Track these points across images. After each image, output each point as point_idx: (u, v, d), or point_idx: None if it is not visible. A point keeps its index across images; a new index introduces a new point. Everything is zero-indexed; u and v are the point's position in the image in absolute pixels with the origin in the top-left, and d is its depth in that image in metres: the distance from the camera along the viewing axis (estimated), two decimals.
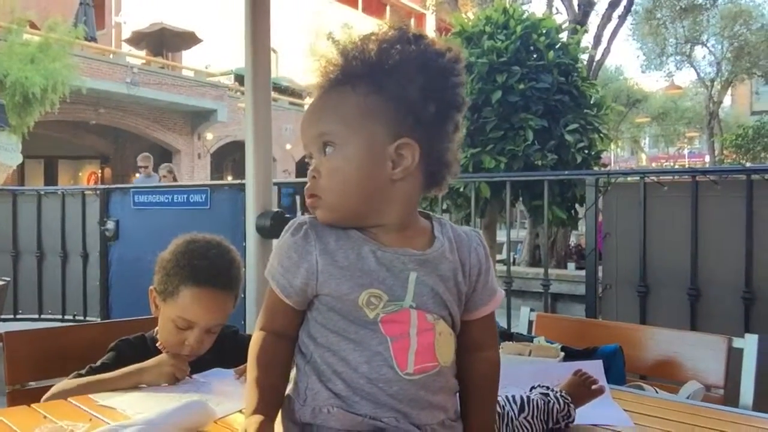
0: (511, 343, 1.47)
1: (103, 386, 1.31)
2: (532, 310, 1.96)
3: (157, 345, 1.43)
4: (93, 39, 16.33)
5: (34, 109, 11.24)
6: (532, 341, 1.51)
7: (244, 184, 2.32)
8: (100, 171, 20.08)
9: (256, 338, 0.94)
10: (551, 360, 1.41)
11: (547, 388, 1.16)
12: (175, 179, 7.85)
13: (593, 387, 1.22)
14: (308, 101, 0.99)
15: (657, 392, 1.52)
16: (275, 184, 3.19)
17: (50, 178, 18.86)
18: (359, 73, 0.92)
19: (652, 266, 2.96)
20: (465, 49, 3.83)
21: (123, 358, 1.39)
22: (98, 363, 1.41)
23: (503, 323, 3.48)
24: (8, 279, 2.79)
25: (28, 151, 13.93)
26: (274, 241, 0.97)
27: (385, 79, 0.91)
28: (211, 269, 1.42)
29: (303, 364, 0.92)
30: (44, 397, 1.34)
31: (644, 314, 2.99)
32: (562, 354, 1.44)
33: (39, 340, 1.63)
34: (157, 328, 1.49)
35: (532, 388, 1.16)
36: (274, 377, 0.92)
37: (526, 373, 1.36)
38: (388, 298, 0.88)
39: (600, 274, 3.20)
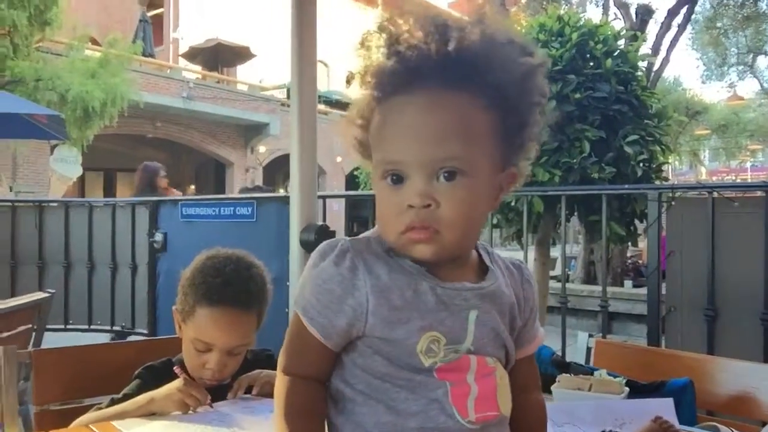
0: (569, 376, 1.33)
1: (118, 419, 1.23)
2: (590, 335, 1.81)
3: (174, 370, 1.34)
4: (151, 55, 16.81)
5: (94, 122, 11.55)
6: (592, 374, 1.36)
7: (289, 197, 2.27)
8: None
9: (286, 385, 0.79)
10: (615, 396, 1.27)
11: None
12: None
13: None
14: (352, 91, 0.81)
15: None
16: (320, 197, 3.11)
17: (109, 190, 19.43)
18: (460, 73, 0.74)
19: (721, 288, 2.74)
20: None
21: (147, 387, 1.30)
22: (120, 394, 1.32)
23: (557, 346, 3.30)
24: (53, 291, 2.79)
25: (88, 164, 14.40)
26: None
27: (499, 89, 0.75)
28: (226, 287, 1.31)
29: (334, 416, 0.79)
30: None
31: (712, 340, 2.77)
32: (627, 389, 1.29)
33: (68, 360, 1.56)
34: None
35: None
36: (316, 429, 0.78)
37: (586, 411, 1.22)
38: (446, 342, 0.75)
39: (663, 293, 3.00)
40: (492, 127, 0.77)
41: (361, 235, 0.82)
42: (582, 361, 1.73)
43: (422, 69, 0.74)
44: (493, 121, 0.76)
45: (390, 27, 0.75)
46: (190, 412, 1.23)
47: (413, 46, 0.74)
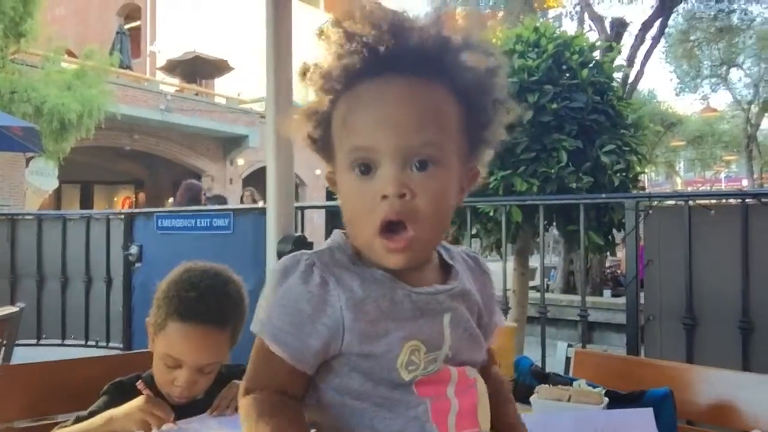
0: (547, 386, 1.31)
1: None
2: (569, 345, 1.79)
3: (137, 385, 1.29)
4: (128, 67, 16.67)
5: (71, 134, 11.43)
6: (571, 384, 1.35)
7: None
8: (134, 196, 20.38)
9: (254, 401, 0.72)
10: (594, 407, 1.25)
11: None
12: None
13: None
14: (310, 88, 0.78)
15: None
16: (297, 207, 3.08)
17: (86, 203, 19.19)
18: (424, 64, 0.72)
19: (699, 296, 2.75)
20: None
21: (114, 404, 1.26)
22: (86, 412, 1.28)
23: (536, 355, 3.29)
24: (23, 305, 2.72)
25: (65, 176, 14.20)
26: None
27: (463, 83, 0.74)
28: (199, 302, 1.26)
29: None
30: None
31: (691, 348, 2.77)
32: (606, 400, 1.28)
33: (35, 375, 1.51)
34: None
35: None
36: (298, 419, 0.72)
37: (566, 423, 1.20)
38: (426, 350, 0.72)
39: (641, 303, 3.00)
40: (459, 120, 0.75)
41: (322, 246, 0.78)
42: (561, 372, 1.71)
43: (385, 60, 0.72)
44: (460, 113, 0.75)
45: (345, 22, 0.73)
46: (154, 431, 1.19)
47: (368, 41, 0.72)
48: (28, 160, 12.75)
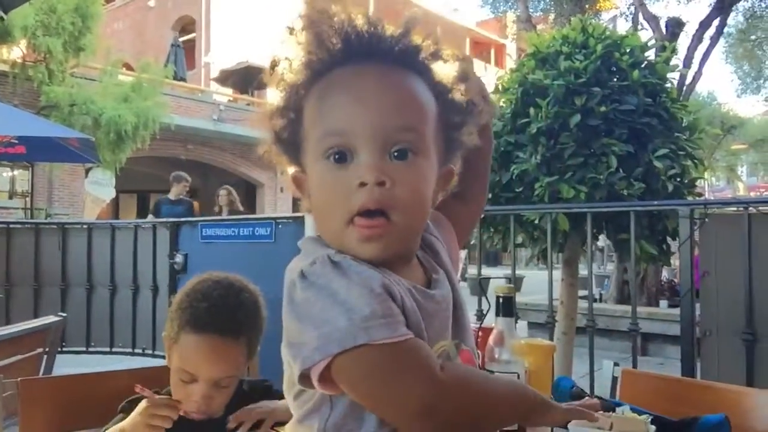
0: None
1: None
2: (616, 364, 1.67)
3: (135, 389, 1.26)
4: (182, 78, 17.09)
5: (127, 145, 11.77)
6: (614, 410, 1.23)
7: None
8: None
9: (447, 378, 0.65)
10: None
11: None
12: None
13: None
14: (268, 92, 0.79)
15: None
16: None
17: (143, 212, 19.67)
18: (403, 61, 0.71)
19: (760, 310, 2.57)
20: (539, 71, 3.56)
21: None
22: (102, 430, 1.25)
23: (584, 369, 3.14)
24: (64, 315, 2.74)
25: (122, 186, 14.63)
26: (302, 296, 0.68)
27: (437, 84, 0.73)
28: (211, 313, 1.21)
29: None
30: None
31: (751, 365, 2.59)
32: (653, 428, 1.16)
33: (58, 390, 1.49)
34: None
35: None
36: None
37: None
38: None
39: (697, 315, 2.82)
40: (437, 115, 0.72)
41: (309, 256, 0.70)
42: (608, 393, 1.59)
43: (358, 56, 0.70)
44: (437, 108, 0.73)
45: (315, 26, 0.71)
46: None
47: (338, 47, 0.71)
48: (86, 171, 13.19)
